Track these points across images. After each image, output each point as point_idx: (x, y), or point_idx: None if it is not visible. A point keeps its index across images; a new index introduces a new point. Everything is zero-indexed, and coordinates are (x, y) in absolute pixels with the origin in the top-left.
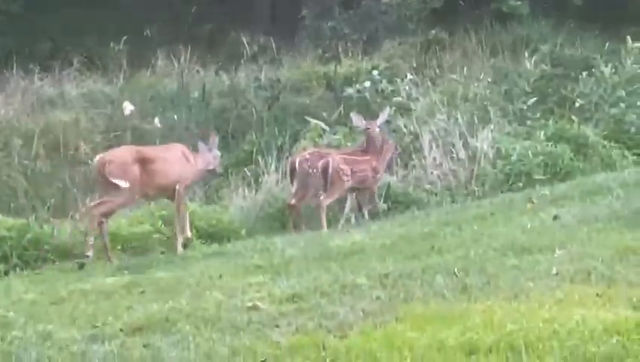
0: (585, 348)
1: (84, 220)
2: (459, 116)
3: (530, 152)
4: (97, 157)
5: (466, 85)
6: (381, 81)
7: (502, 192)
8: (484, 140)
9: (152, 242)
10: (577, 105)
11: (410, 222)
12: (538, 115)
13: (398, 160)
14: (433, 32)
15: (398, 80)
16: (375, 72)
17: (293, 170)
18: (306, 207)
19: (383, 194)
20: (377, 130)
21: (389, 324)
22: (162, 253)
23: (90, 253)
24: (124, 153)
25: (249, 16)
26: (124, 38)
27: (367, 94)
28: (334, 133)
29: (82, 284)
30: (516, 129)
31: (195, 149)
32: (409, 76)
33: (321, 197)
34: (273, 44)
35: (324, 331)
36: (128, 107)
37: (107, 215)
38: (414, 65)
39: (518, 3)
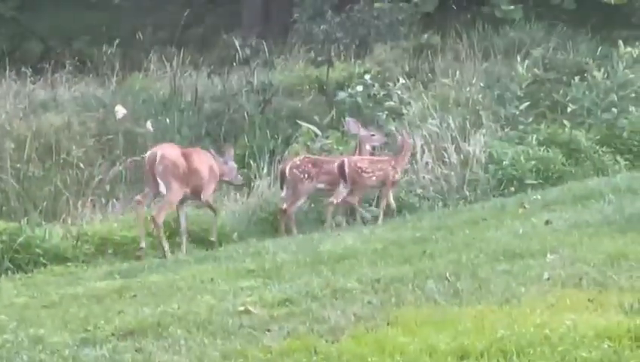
0: (576, 354)
1: (136, 215)
2: (451, 120)
3: (522, 157)
4: (148, 153)
5: (458, 89)
6: (373, 85)
7: (494, 197)
8: (476, 145)
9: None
10: (569, 109)
11: (401, 226)
12: (530, 120)
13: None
14: (425, 36)
15: (390, 84)
16: (367, 76)
17: (283, 176)
18: (298, 211)
19: (375, 198)
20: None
21: (381, 329)
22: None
23: (143, 245)
24: (174, 149)
25: (241, 20)
26: (117, 41)
27: (359, 98)
28: (326, 137)
29: (74, 288)
30: (508, 133)
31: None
32: (401, 80)
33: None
34: (265, 48)
35: (316, 335)
36: (120, 111)
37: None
38: (406, 69)
39: (511, 7)
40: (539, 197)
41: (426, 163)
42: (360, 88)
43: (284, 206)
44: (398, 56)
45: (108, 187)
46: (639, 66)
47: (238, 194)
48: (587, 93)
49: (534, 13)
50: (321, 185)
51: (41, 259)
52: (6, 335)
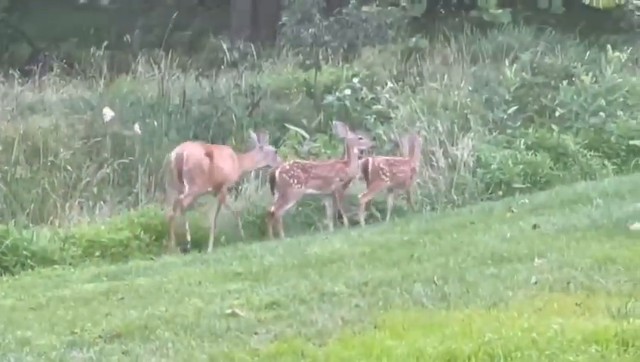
0: (563, 358)
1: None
2: (439, 124)
3: (510, 161)
4: (173, 153)
5: (446, 93)
6: (361, 89)
7: (482, 201)
8: (464, 149)
9: (131, 249)
10: (557, 114)
11: (389, 230)
12: (518, 124)
13: None
14: (413, 39)
15: (379, 88)
16: (355, 80)
17: (273, 180)
18: (285, 214)
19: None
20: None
21: (368, 332)
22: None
23: (188, 238)
24: (198, 148)
25: (229, 23)
26: (105, 43)
27: (347, 102)
28: (314, 141)
29: (61, 290)
30: (496, 137)
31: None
32: (389, 84)
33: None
34: (253, 51)
35: (303, 339)
36: (108, 113)
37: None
38: (394, 73)
39: (499, 11)
40: (527, 201)
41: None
42: (348, 92)
43: (272, 209)
44: (386, 60)
45: (95, 189)
46: (627, 71)
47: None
48: (575, 97)
49: (522, 17)
50: (310, 190)
51: (29, 261)
52: None
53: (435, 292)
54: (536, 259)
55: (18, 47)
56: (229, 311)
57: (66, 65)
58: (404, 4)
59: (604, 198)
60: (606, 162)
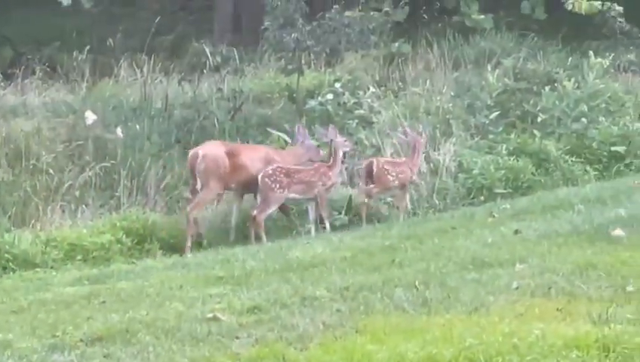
0: None
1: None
2: (421, 129)
3: (491, 166)
4: (191, 152)
5: (428, 98)
6: (344, 94)
7: (463, 206)
8: (446, 154)
9: (112, 252)
10: (539, 119)
11: (371, 234)
12: (500, 129)
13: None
14: (396, 45)
15: (361, 92)
16: (337, 85)
17: (256, 184)
18: (267, 219)
19: (345, 206)
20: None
21: (349, 337)
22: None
23: (202, 231)
24: (217, 148)
25: (212, 27)
26: (87, 47)
27: (329, 106)
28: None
29: (43, 294)
30: (478, 143)
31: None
32: (371, 89)
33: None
34: (236, 55)
35: (284, 343)
36: (90, 117)
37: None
38: (377, 78)
39: (482, 17)
40: (508, 206)
41: None
42: (330, 96)
43: (254, 213)
44: (368, 65)
45: (77, 193)
46: (609, 77)
47: None
48: (557, 103)
49: (505, 23)
50: (293, 195)
51: (10, 264)
52: None
53: (416, 297)
54: (517, 265)
55: (0, 50)
56: (210, 315)
57: (48, 69)
58: (386, 9)
59: (585, 204)
60: (588, 168)
